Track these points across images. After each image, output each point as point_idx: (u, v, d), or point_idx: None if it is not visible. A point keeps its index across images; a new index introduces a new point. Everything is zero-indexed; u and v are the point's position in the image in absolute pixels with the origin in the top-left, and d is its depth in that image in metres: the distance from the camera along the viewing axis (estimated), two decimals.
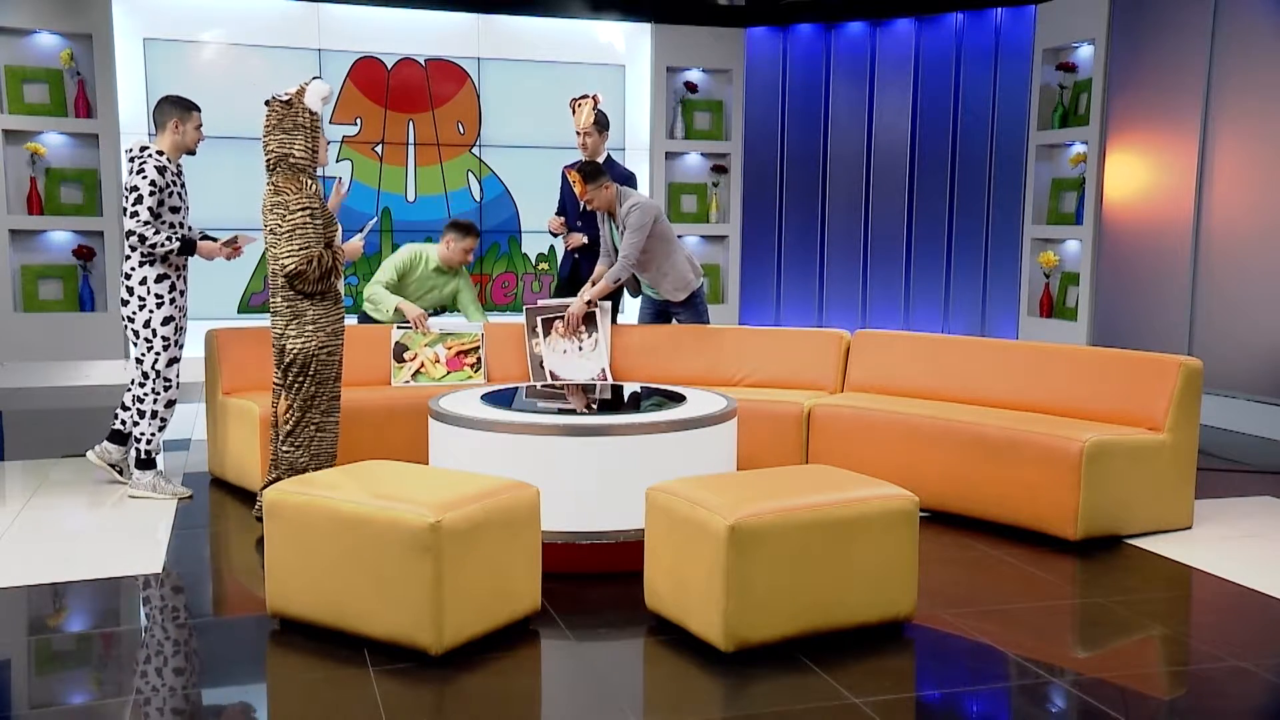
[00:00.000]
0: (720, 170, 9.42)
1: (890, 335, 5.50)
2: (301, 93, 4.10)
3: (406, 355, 5.37)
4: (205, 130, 4.92)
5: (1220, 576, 3.90)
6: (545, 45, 8.97)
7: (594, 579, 3.79)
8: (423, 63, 8.71)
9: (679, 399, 4.36)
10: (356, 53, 8.54)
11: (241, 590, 3.84)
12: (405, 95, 8.68)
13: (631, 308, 6.97)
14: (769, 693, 2.89)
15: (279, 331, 4.15)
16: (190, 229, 4.87)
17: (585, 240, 6.00)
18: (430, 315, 5.62)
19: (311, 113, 4.12)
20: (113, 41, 7.92)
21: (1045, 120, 8.38)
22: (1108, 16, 7.80)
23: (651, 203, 5.51)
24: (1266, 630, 3.46)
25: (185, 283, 4.82)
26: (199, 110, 4.85)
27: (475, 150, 8.90)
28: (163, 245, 4.60)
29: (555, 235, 6.22)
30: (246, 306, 8.44)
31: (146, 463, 4.81)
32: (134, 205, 4.59)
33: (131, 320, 4.72)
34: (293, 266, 4.02)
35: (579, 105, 5.89)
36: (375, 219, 8.64)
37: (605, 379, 5.45)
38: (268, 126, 4.11)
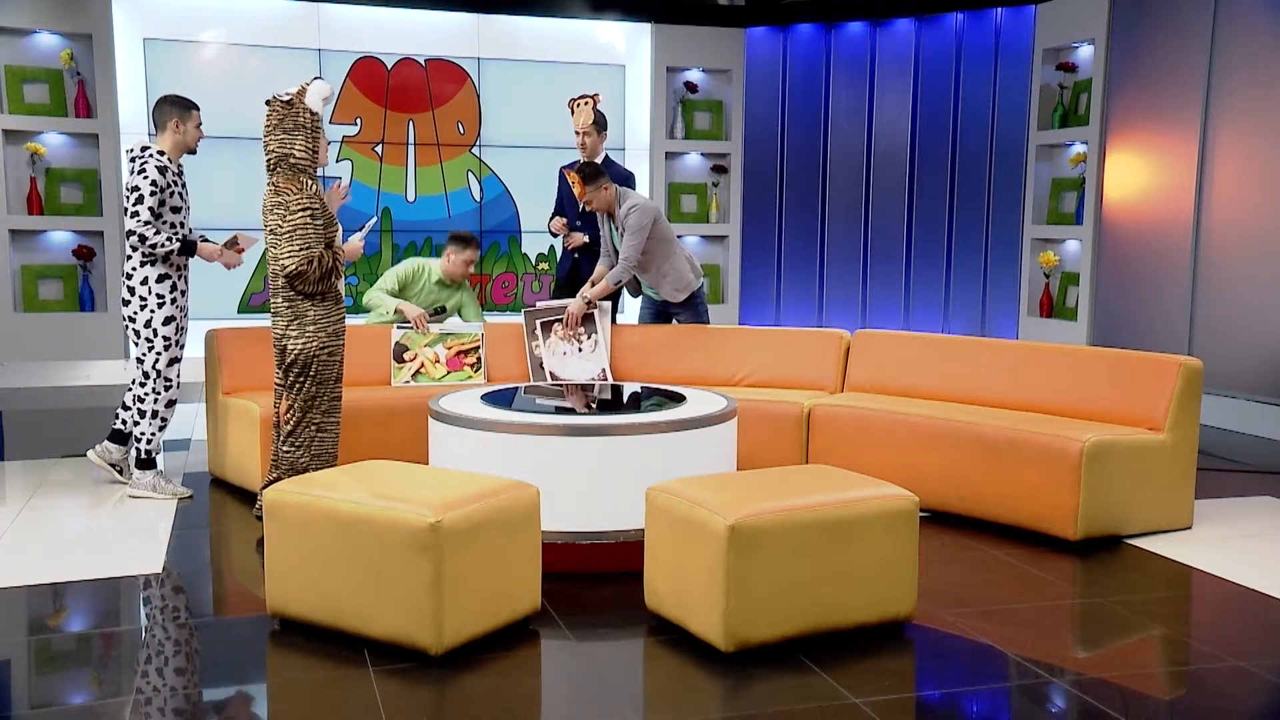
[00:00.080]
0: (720, 170, 9.42)
1: (890, 335, 5.50)
2: (302, 93, 4.11)
3: (406, 355, 5.37)
4: (205, 130, 4.93)
5: (1220, 576, 3.90)
6: (545, 45, 8.96)
7: (594, 579, 3.79)
8: (423, 63, 8.70)
9: (679, 399, 4.36)
10: (356, 53, 8.54)
11: (241, 590, 3.84)
12: (405, 95, 8.68)
13: (631, 308, 6.97)
14: (769, 693, 2.89)
15: (280, 332, 4.15)
16: (190, 230, 4.88)
17: (585, 240, 6.00)
18: (430, 316, 5.62)
19: (312, 113, 4.13)
20: (113, 41, 7.93)
21: (1045, 120, 8.38)
22: (1108, 16, 7.80)
23: (650, 204, 5.51)
24: (1266, 630, 3.46)
25: (186, 283, 4.83)
26: (198, 109, 4.86)
27: (475, 150, 8.90)
28: (163, 245, 4.60)
29: (556, 236, 6.22)
30: (247, 306, 8.44)
31: (147, 462, 4.81)
32: (135, 205, 4.59)
33: (132, 320, 4.72)
34: (293, 267, 4.02)
35: (578, 105, 5.89)
36: (375, 219, 8.62)
37: (605, 379, 5.46)
38: (268, 126, 4.12)
